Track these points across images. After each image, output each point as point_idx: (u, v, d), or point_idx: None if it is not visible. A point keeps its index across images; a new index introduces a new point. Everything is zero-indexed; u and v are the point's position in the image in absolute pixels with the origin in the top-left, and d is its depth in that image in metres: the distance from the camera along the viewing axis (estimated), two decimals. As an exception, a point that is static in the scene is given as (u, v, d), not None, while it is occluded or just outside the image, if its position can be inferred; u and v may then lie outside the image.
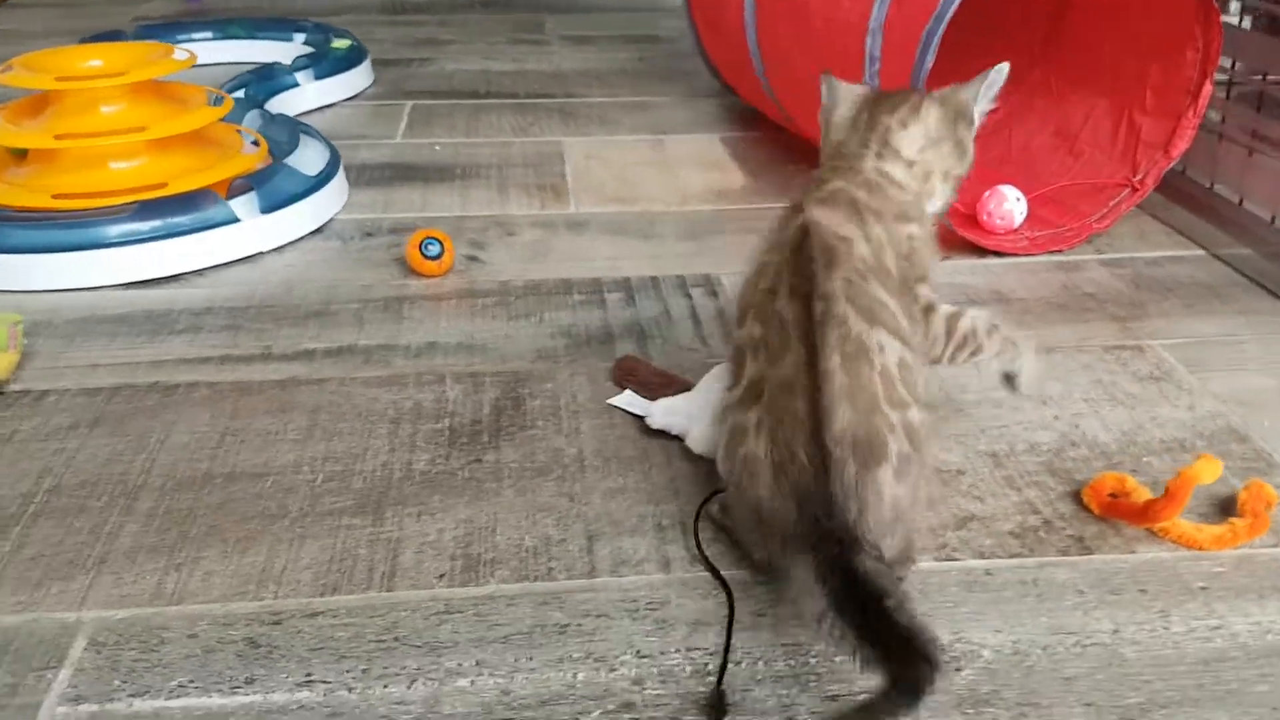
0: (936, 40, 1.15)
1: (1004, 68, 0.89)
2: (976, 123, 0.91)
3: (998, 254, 1.30)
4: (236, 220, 1.25)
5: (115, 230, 1.19)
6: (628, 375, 1.02)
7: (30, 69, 1.27)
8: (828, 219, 0.78)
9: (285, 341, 1.10)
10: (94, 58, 1.35)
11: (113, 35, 1.93)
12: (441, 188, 1.52)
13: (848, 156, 0.88)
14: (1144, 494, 0.81)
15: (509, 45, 2.32)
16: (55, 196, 1.22)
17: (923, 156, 0.88)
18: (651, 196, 1.50)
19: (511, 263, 1.29)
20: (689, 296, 1.21)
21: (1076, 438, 0.94)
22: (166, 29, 2.05)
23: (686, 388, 0.96)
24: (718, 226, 1.40)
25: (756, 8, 1.51)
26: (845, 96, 0.92)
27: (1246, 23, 1.37)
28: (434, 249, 1.23)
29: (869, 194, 0.83)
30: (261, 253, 1.28)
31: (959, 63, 1.60)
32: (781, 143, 1.68)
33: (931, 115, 0.88)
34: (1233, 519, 0.80)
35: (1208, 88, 1.26)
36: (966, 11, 1.57)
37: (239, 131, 1.46)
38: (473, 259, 1.30)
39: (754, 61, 1.56)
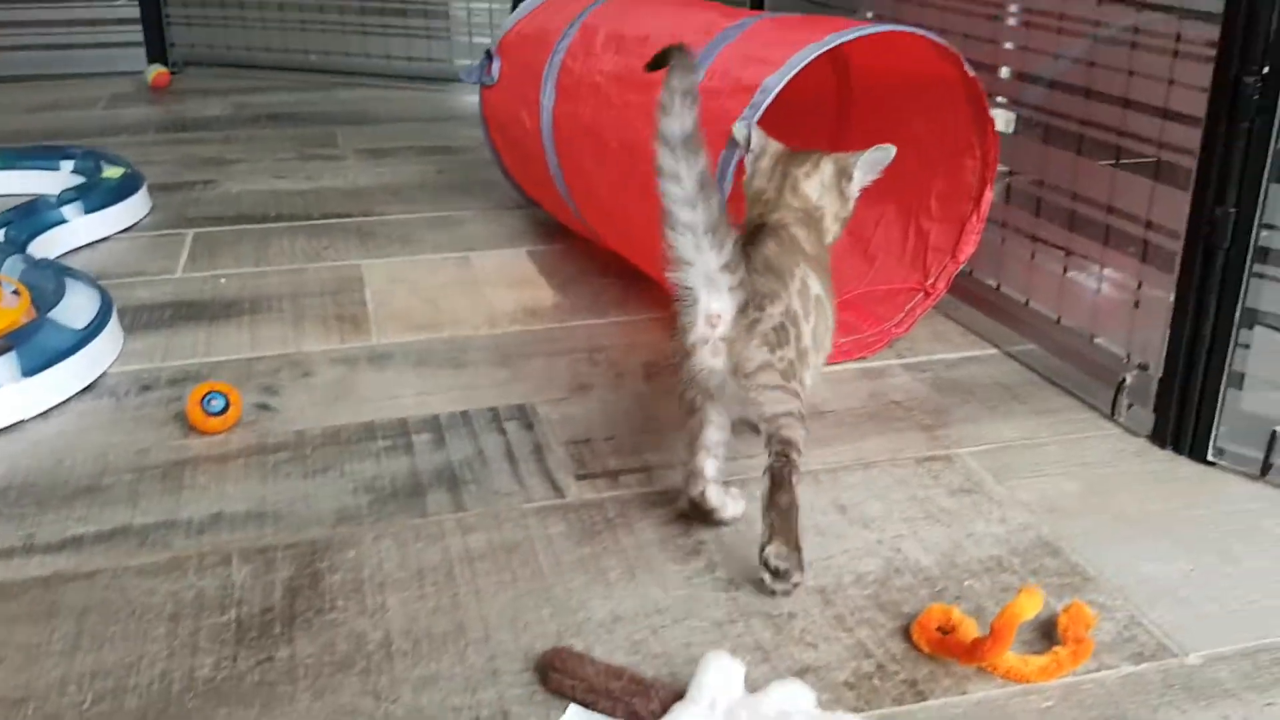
0: (732, 168, 1.16)
1: (890, 150, 1.09)
2: (856, 184, 1.10)
3: (807, 364, 1.31)
4: None
5: None
6: (566, 679, 0.77)
7: None
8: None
9: (50, 528, 0.98)
10: None
11: None
12: (228, 326, 1.42)
13: (769, 201, 1.08)
14: (971, 627, 0.81)
15: (300, 161, 2.24)
16: None
17: (820, 201, 1.08)
18: (459, 320, 1.45)
19: (308, 408, 1.21)
20: (503, 432, 1.15)
21: (900, 563, 0.93)
22: (-90, 162, 1.87)
23: (649, 687, 0.75)
24: (530, 349, 1.36)
25: (554, 128, 1.50)
26: (768, 150, 1.11)
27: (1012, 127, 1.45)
28: (217, 404, 1.14)
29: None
30: (24, 421, 1.16)
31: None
32: (588, 254, 1.67)
33: (827, 170, 1.08)
34: (1056, 648, 0.80)
35: (988, 194, 1.32)
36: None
37: (-6, 282, 1.32)
38: (263, 407, 1.21)
39: (556, 181, 1.54)
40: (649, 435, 1.15)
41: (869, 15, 1.59)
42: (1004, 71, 1.34)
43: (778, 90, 1.15)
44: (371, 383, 1.27)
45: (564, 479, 1.06)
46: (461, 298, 1.53)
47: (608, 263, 1.61)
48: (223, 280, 1.58)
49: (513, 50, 1.66)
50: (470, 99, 2.81)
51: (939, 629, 0.81)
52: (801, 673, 0.80)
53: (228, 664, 0.81)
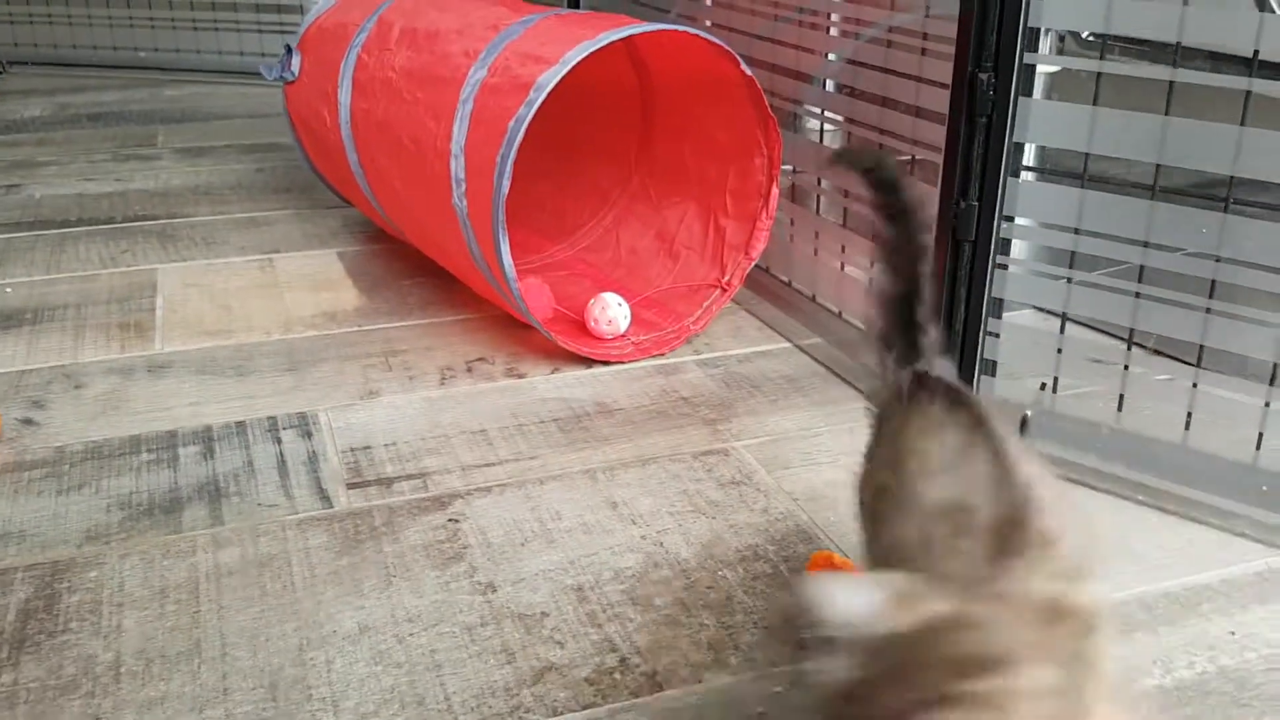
0: (509, 165, 1.15)
1: None
2: None
3: (604, 363, 1.31)
4: None
5: None
6: None
7: None
8: None
9: None
10: None
11: None
12: (5, 339, 1.35)
13: None
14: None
15: (114, 163, 2.15)
16: None
17: None
18: (252, 326, 1.40)
19: (74, 422, 1.16)
20: (278, 441, 1.12)
21: (660, 557, 0.94)
22: None
23: None
24: (322, 354, 1.33)
25: (352, 124, 1.47)
26: None
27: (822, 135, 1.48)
28: (-30, 420, 1.08)
29: None
30: None
31: (563, 181, 1.63)
32: (401, 256, 1.64)
33: None
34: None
35: (775, 191, 1.34)
36: (560, 130, 1.61)
37: None
38: (28, 422, 1.15)
39: (359, 179, 1.52)
40: (432, 439, 1.13)
41: (675, 15, 1.60)
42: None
43: (550, 88, 1.15)
44: (147, 394, 1.22)
45: (334, 488, 1.04)
46: (258, 302, 1.48)
47: (419, 265, 1.59)
48: (8, 290, 1.50)
49: (313, 45, 1.62)
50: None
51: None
52: (543, 673, 0.80)
53: (-69, 696, 0.77)
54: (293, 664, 0.81)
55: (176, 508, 1.00)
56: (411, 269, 1.59)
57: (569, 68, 1.15)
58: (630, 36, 1.20)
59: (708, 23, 1.52)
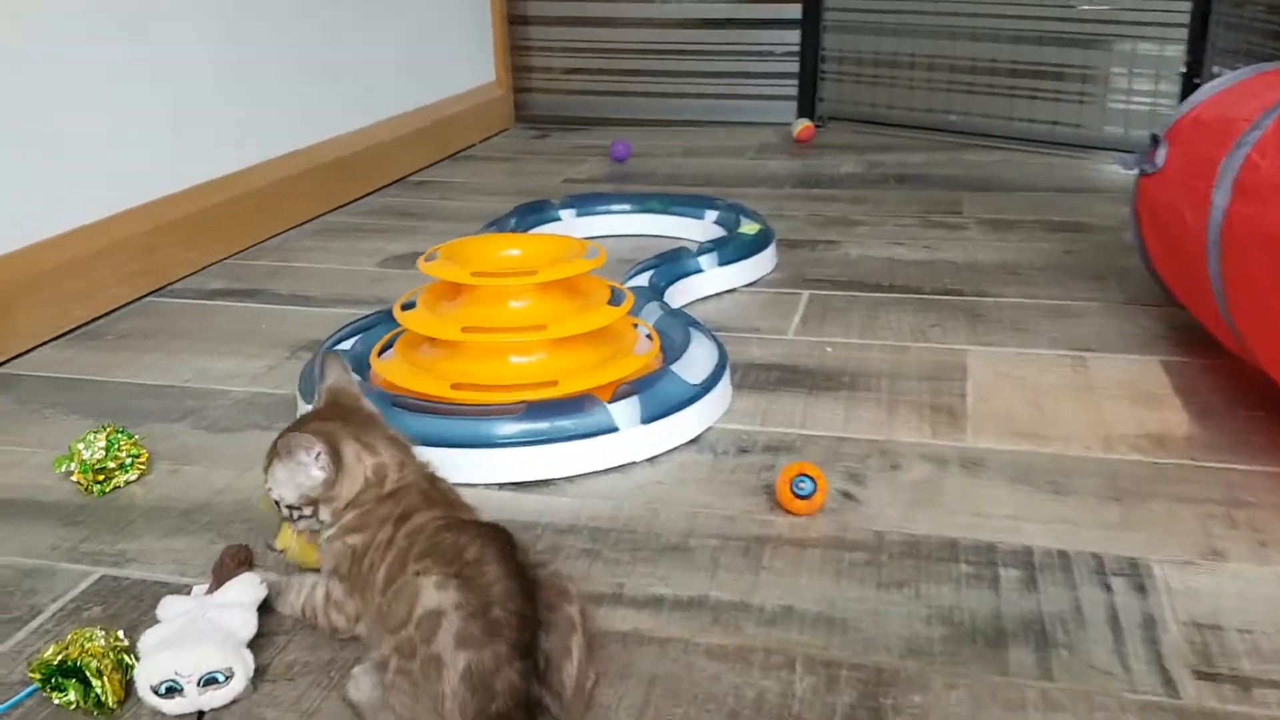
0: None
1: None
2: None
3: None
4: (615, 429, 1.23)
5: (504, 430, 1.20)
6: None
7: (451, 259, 1.34)
8: None
9: (638, 580, 1.03)
10: (512, 247, 1.40)
11: (540, 205, 2.06)
12: (826, 399, 1.42)
13: None
14: None
15: (921, 228, 2.20)
16: (453, 386, 1.26)
17: None
18: (1067, 434, 1.30)
19: (890, 506, 1.15)
20: (1108, 589, 1.00)
21: None
22: (589, 199, 2.15)
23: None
24: (1150, 487, 1.18)
25: (1224, 230, 1.29)
26: None
27: None
28: (806, 487, 1.12)
29: None
30: (634, 464, 1.25)
31: None
32: (1238, 376, 1.42)
33: None
34: None
35: None
36: None
37: (636, 326, 1.45)
38: (847, 496, 1.18)
39: (1214, 289, 1.33)
40: (1299, 637, 0.92)
41: None
42: None
43: None
44: (960, 491, 1.18)
45: (1179, 672, 0.89)
46: (1073, 406, 1.37)
47: (1264, 391, 1.35)
48: (829, 349, 1.59)
49: (1185, 137, 1.47)
50: (1109, 170, 2.59)
51: None
52: None
53: (773, 790, 0.78)
54: None
55: (1001, 641, 0.93)
56: (1254, 397, 1.36)
57: None
58: None
59: None
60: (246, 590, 0.89)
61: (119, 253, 1.77)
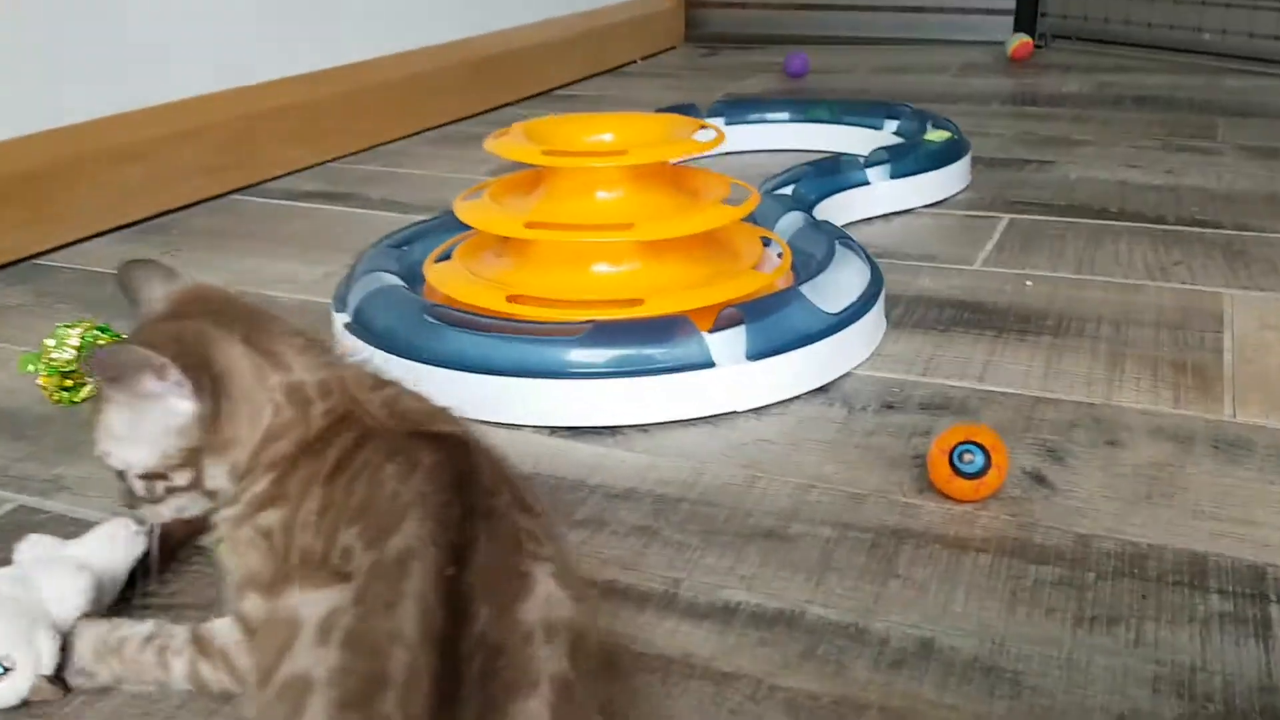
0: None
1: None
2: None
3: None
4: (711, 365, 0.90)
5: (559, 356, 0.90)
6: None
7: (525, 138, 1.04)
8: None
9: (704, 576, 0.71)
10: (606, 130, 1.09)
11: (684, 109, 1.73)
12: (1018, 346, 1.04)
13: None
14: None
15: (1162, 152, 1.75)
16: (510, 299, 0.97)
17: None
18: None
19: (1104, 499, 0.78)
20: None
21: None
22: (741, 106, 1.80)
23: None
24: None
25: None
26: None
27: None
28: (974, 462, 0.77)
29: None
30: (733, 414, 0.92)
31: None
32: None
33: None
34: None
35: None
36: None
37: (764, 240, 1.12)
38: (1038, 480, 0.81)
39: None
40: None
41: None
42: None
43: None
44: (1212, 484, 0.80)
45: None
46: (1392, 377, 0.95)
47: None
48: (1028, 284, 1.20)
49: None
50: None
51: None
52: None
53: None
54: None
55: (1269, 715, 0.56)
56: None
57: None
58: None
59: None
60: (102, 545, 0.62)
61: (201, 141, 1.57)
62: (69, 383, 0.95)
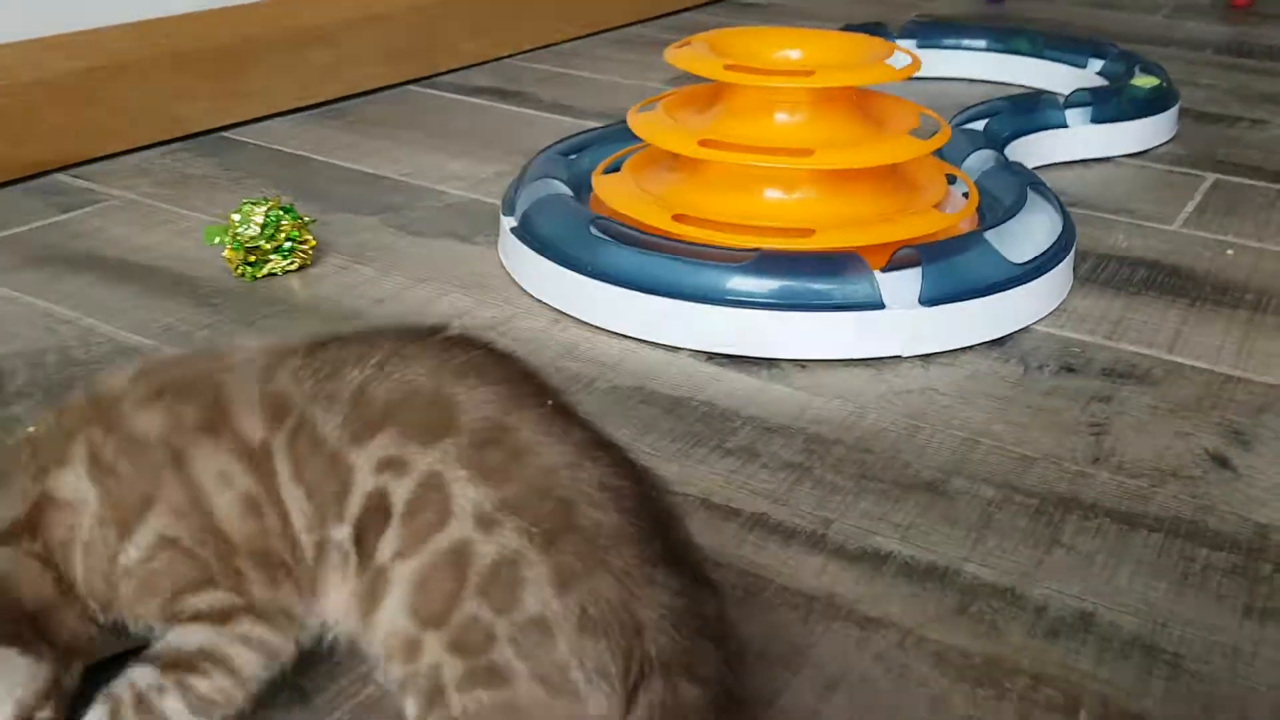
0: None
1: None
2: None
3: None
4: (880, 306, 0.87)
5: (719, 282, 0.88)
6: None
7: (707, 50, 1.01)
8: None
9: (856, 521, 0.69)
10: (793, 46, 1.05)
11: (873, 28, 1.65)
12: (1214, 317, 0.97)
13: None
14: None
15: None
16: (675, 217, 0.95)
17: None
18: None
19: (1293, 494, 0.73)
20: None
21: None
22: (936, 29, 1.71)
23: None
24: None
25: None
26: None
27: None
28: (1158, 438, 0.72)
29: None
30: (899, 358, 0.89)
31: None
32: None
33: None
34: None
35: None
36: None
37: (949, 177, 1.06)
38: (1220, 463, 0.76)
39: None
40: None
41: None
42: None
43: None
44: None
45: None
46: None
47: None
48: (1230, 252, 1.12)
49: None
50: None
51: None
52: None
53: None
54: None
55: None
56: None
57: None
58: None
59: None
60: None
61: (383, 28, 1.58)
62: (253, 258, 0.99)
